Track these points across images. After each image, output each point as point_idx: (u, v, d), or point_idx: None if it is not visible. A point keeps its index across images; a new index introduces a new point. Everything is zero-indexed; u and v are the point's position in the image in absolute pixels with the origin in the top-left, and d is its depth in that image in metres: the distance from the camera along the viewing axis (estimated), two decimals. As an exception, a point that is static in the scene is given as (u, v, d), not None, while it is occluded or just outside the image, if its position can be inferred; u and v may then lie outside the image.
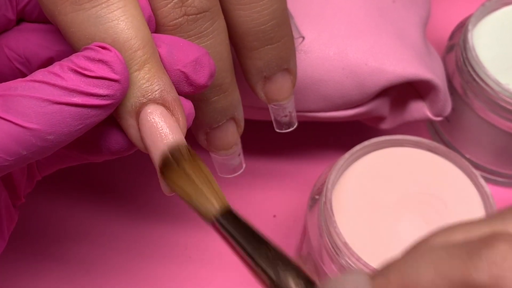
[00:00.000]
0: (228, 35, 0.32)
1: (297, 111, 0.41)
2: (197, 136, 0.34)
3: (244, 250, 0.25)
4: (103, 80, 0.26)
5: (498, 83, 0.41)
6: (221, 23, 0.31)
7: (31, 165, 0.31)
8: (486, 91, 0.42)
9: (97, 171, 0.46)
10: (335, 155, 0.46)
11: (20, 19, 0.31)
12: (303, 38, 0.39)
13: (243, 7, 0.31)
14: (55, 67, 0.26)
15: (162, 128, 0.27)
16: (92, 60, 0.26)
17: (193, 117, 0.29)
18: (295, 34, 0.36)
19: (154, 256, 0.43)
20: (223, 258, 0.43)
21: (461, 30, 0.45)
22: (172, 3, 0.29)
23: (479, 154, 0.46)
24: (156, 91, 0.27)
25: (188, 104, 0.29)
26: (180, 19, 0.30)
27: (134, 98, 0.27)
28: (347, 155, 0.37)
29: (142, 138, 0.27)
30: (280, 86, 0.34)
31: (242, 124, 0.34)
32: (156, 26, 0.30)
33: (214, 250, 0.43)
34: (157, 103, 0.27)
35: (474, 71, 0.42)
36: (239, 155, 0.35)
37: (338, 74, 0.40)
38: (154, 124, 0.27)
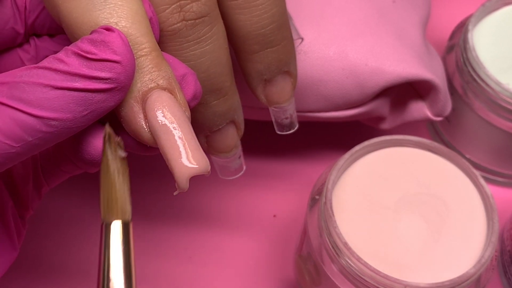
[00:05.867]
0: (228, 39, 0.32)
1: (298, 111, 0.41)
2: (197, 139, 0.34)
3: (105, 264, 0.25)
4: (105, 63, 0.25)
5: (498, 83, 0.41)
6: (220, 27, 0.31)
7: (37, 173, 0.31)
8: (486, 91, 0.42)
9: (97, 171, 0.46)
10: (335, 155, 0.46)
11: (33, 34, 0.31)
12: (302, 39, 0.39)
13: (243, 11, 0.31)
14: (61, 53, 0.26)
15: (172, 113, 0.27)
16: (95, 42, 0.25)
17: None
18: (294, 36, 0.36)
19: (154, 256, 0.43)
20: (223, 258, 0.43)
21: (461, 30, 0.45)
22: (170, 8, 0.29)
23: (479, 154, 0.46)
24: (164, 77, 0.27)
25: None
26: (178, 24, 0.30)
27: (141, 83, 0.27)
28: (347, 155, 0.37)
29: (150, 124, 0.27)
30: (280, 89, 0.34)
31: (242, 127, 0.34)
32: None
33: (214, 250, 0.43)
34: (164, 89, 0.27)
35: (474, 71, 0.42)
36: (239, 157, 0.35)
37: (338, 74, 0.40)
38: (164, 108, 0.26)
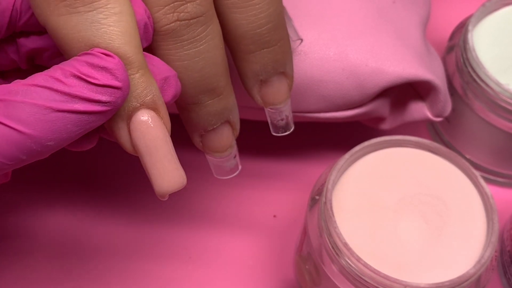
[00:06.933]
0: (223, 38, 0.32)
1: (297, 112, 0.41)
2: (192, 138, 0.34)
3: None
4: (107, 88, 0.26)
5: (498, 84, 0.41)
6: (215, 27, 0.31)
7: None
8: (486, 92, 0.42)
9: (97, 172, 0.46)
10: (335, 155, 0.46)
11: (21, 32, 0.31)
12: (301, 40, 0.39)
13: (239, 11, 0.31)
14: (57, 72, 0.26)
15: (155, 135, 0.28)
16: (96, 67, 0.26)
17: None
18: (293, 37, 0.36)
19: (154, 256, 0.43)
20: (223, 258, 0.43)
21: (461, 30, 0.45)
22: (164, 9, 0.29)
23: (479, 154, 0.46)
24: (149, 96, 0.28)
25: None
26: (172, 24, 0.30)
27: (128, 102, 0.28)
28: (347, 155, 0.37)
29: (134, 142, 0.28)
30: (276, 90, 0.34)
31: (237, 127, 0.34)
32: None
33: (214, 250, 0.43)
34: (149, 108, 0.28)
35: (474, 71, 0.42)
36: (234, 157, 0.35)
37: (338, 74, 0.40)
38: (148, 130, 0.28)
